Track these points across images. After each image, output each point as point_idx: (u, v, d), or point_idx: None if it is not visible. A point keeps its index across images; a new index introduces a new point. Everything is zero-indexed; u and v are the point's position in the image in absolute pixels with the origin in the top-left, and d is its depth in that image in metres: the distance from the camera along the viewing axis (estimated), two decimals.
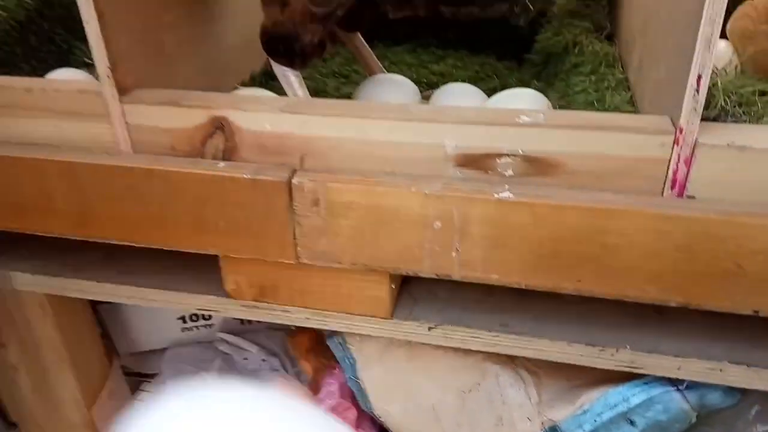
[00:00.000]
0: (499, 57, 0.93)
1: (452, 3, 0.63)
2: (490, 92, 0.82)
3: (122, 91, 0.55)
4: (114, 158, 0.56)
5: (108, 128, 0.56)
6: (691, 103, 0.47)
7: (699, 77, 0.45)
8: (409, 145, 0.52)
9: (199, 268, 0.63)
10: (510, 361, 0.63)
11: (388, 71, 0.88)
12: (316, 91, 0.82)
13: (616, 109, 0.62)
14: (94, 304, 0.86)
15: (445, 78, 0.87)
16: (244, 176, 0.52)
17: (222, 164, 0.54)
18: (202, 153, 0.55)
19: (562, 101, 0.70)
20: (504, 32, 0.93)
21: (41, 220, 0.60)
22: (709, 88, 0.51)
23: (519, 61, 0.90)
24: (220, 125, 0.54)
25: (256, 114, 0.53)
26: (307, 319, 0.61)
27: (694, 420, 0.58)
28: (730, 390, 0.57)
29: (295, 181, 0.52)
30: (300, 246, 0.54)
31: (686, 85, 0.46)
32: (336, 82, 0.85)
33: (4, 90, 0.57)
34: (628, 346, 0.55)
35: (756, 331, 0.56)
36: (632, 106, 0.63)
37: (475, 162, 0.52)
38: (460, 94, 0.70)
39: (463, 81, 0.86)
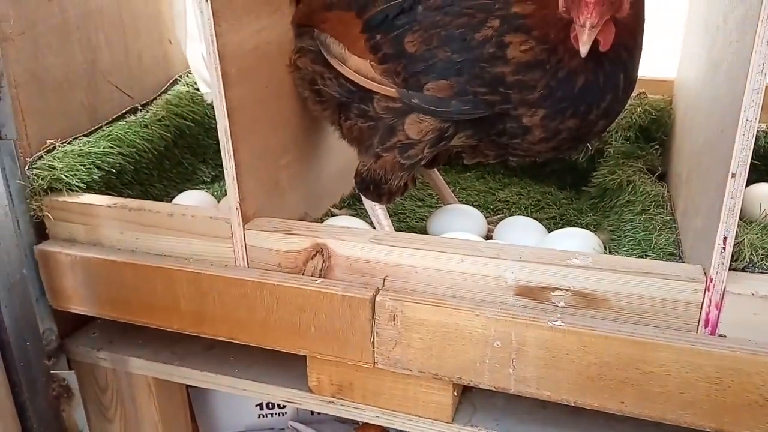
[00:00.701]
0: (559, 186, 1.04)
1: (519, 155, 0.75)
2: (549, 221, 0.92)
3: (245, 219, 0.68)
4: (232, 271, 0.69)
5: (230, 247, 0.70)
6: (719, 258, 0.55)
7: (725, 238, 0.54)
8: (475, 275, 0.62)
9: (287, 366, 0.73)
10: None
11: (459, 196, 0.99)
12: (395, 212, 0.95)
13: (661, 250, 0.70)
14: (187, 389, 0.97)
15: (509, 205, 0.98)
16: (337, 292, 0.64)
17: (319, 281, 0.66)
18: (303, 271, 0.67)
19: (614, 236, 0.79)
20: (564, 166, 1.03)
21: (167, 317, 0.73)
22: (738, 244, 0.59)
23: (578, 191, 1.00)
24: (320, 249, 0.66)
25: (350, 243, 0.65)
26: (377, 417, 0.70)
27: None
28: None
29: (378, 298, 0.63)
30: (377, 353, 0.64)
31: (715, 243, 0.55)
32: (413, 205, 0.98)
33: (152, 213, 0.72)
34: None
35: None
36: (676, 247, 0.71)
37: (532, 292, 0.61)
38: (522, 228, 0.80)
39: (526, 208, 0.96)
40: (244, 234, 0.68)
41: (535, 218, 0.87)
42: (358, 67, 0.72)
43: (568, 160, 1.03)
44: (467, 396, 0.71)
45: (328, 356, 0.67)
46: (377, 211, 0.76)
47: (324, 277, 0.67)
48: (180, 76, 1.05)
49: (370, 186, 0.75)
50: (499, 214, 0.93)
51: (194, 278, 0.70)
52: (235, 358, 0.78)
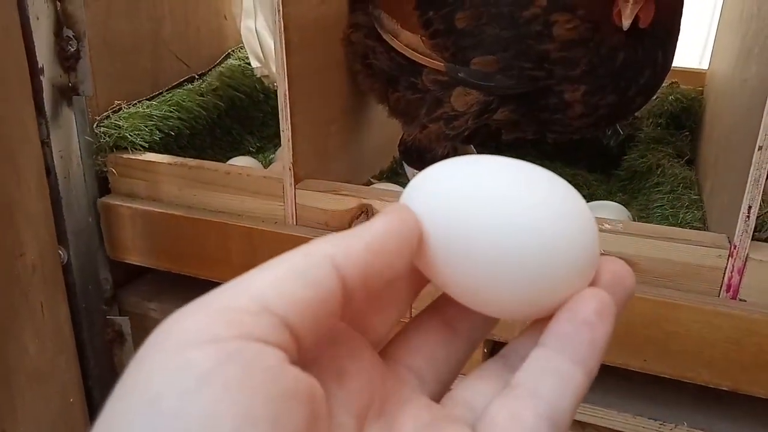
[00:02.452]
0: (590, 170, 1.07)
1: (557, 131, 0.79)
2: None
3: (297, 180, 0.73)
4: (282, 227, 0.74)
5: (281, 206, 0.75)
6: (743, 226, 0.59)
7: (749, 207, 0.58)
8: None
9: None
10: (581, 428, 0.73)
11: None
12: None
13: (687, 224, 0.74)
14: None
15: None
16: None
17: None
18: (348, 229, 0.72)
19: (642, 213, 0.83)
20: (596, 149, 1.07)
21: (219, 270, 0.78)
22: (763, 215, 0.63)
23: (608, 175, 1.04)
24: (365, 209, 0.71)
25: (392, 202, 0.70)
26: None
27: None
28: None
29: None
30: None
31: (740, 213, 0.59)
32: None
33: (210, 171, 0.78)
34: (685, 423, 0.65)
35: None
36: (702, 223, 0.75)
37: None
38: None
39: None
40: (294, 193, 0.73)
41: None
42: (409, 42, 0.77)
43: (600, 144, 1.07)
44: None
45: None
46: None
47: None
48: (233, 51, 1.10)
49: (414, 155, 0.80)
50: None
51: (247, 233, 0.75)
52: None
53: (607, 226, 0.64)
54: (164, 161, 0.80)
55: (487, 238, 0.26)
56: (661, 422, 0.66)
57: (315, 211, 0.74)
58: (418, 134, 0.78)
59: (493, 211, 0.26)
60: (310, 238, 0.67)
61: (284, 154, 0.72)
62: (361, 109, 0.91)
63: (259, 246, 0.75)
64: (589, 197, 0.97)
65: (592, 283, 0.28)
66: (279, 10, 0.67)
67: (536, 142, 1.13)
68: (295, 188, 0.74)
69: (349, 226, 0.72)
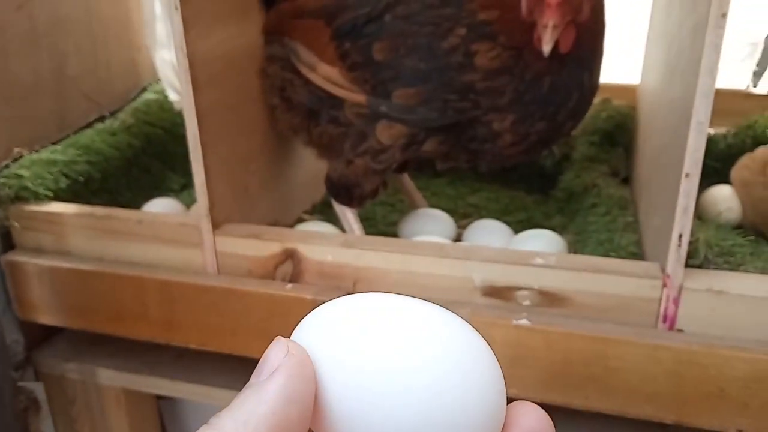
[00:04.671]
0: (527, 191, 1.06)
1: (489, 160, 0.76)
2: (517, 224, 0.94)
3: (215, 225, 0.68)
4: (202, 278, 0.69)
5: (199, 254, 0.70)
6: (675, 255, 0.57)
7: (680, 236, 0.56)
8: (443, 277, 0.64)
9: None
10: None
11: (430, 201, 1.01)
12: (365, 217, 0.96)
13: (623, 249, 0.72)
14: (157, 399, 0.97)
15: (479, 209, 1.00)
16: (307, 297, 0.64)
17: (289, 286, 0.66)
18: (274, 276, 0.68)
19: (579, 237, 0.81)
20: (532, 171, 1.06)
21: (135, 326, 0.73)
22: (694, 242, 0.61)
23: (546, 195, 1.03)
24: (290, 254, 0.66)
25: (320, 247, 0.66)
26: None
27: None
28: None
29: None
30: None
31: (671, 240, 0.57)
32: (384, 210, 0.99)
33: (120, 221, 0.72)
34: None
35: None
36: (638, 247, 0.73)
37: (498, 293, 0.63)
38: (490, 230, 0.82)
39: (495, 212, 0.98)
40: (214, 240, 0.69)
41: (503, 221, 0.89)
42: (327, 75, 0.73)
43: (536, 166, 1.05)
44: None
45: None
46: (348, 215, 0.77)
47: (294, 282, 0.67)
48: (149, 84, 1.05)
49: (341, 191, 0.76)
50: (468, 218, 0.95)
51: (164, 286, 0.70)
52: (206, 366, 0.78)
53: (539, 261, 0.61)
54: (70, 211, 0.74)
55: (381, 410, 0.25)
56: None
57: (237, 258, 0.69)
58: (344, 169, 0.74)
59: (386, 379, 0.25)
60: (233, 288, 0.62)
61: (199, 198, 0.67)
62: (286, 143, 0.86)
63: (178, 299, 0.70)
64: (527, 221, 0.95)
65: None
66: (183, 48, 0.63)
67: (475, 167, 1.12)
68: (214, 234, 0.69)
69: (274, 272, 0.68)
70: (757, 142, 0.96)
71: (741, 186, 0.89)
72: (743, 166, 0.90)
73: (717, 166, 0.97)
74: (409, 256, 0.64)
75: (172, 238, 0.70)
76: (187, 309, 0.69)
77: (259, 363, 0.25)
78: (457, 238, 0.86)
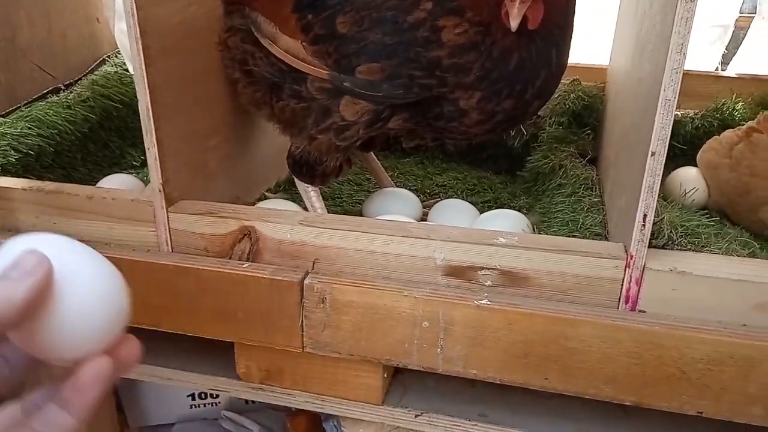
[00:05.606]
0: (495, 171, 1.05)
1: (456, 138, 0.75)
2: (484, 204, 0.93)
3: (169, 202, 0.66)
4: (155, 256, 0.67)
5: (153, 231, 0.67)
6: (639, 235, 0.56)
7: (644, 216, 0.55)
8: (404, 257, 0.62)
9: (214, 353, 0.71)
10: None
11: (398, 181, 0.99)
12: (331, 196, 0.94)
13: (587, 230, 0.72)
14: None
15: (446, 189, 0.99)
16: (264, 276, 0.62)
17: (246, 265, 0.64)
18: (230, 255, 0.65)
19: (544, 218, 0.81)
20: (500, 151, 1.05)
21: None
22: (659, 222, 0.61)
23: (513, 176, 1.02)
24: (247, 232, 0.64)
25: (279, 225, 0.64)
26: (307, 402, 0.69)
27: None
28: None
29: (306, 281, 0.62)
30: (306, 337, 0.63)
31: (635, 221, 0.56)
32: (350, 189, 0.97)
33: (70, 196, 0.69)
34: None
35: (707, 429, 0.62)
36: (602, 227, 0.72)
37: (460, 273, 0.62)
38: (455, 210, 0.80)
39: (462, 192, 0.97)
40: (167, 217, 0.66)
41: (470, 202, 0.87)
42: (288, 47, 0.71)
43: (504, 146, 1.04)
44: (398, 378, 0.71)
45: (257, 342, 0.65)
46: (310, 193, 0.75)
47: (252, 261, 0.65)
48: (108, 56, 1.01)
49: (303, 168, 0.74)
50: (435, 198, 0.93)
51: (115, 264, 0.67)
52: (160, 346, 0.76)
53: (502, 240, 0.60)
54: (18, 186, 0.71)
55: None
56: None
57: (192, 237, 0.67)
58: (307, 146, 0.72)
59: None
60: (188, 267, 0.60)
61: (152, 173, 0.65)
62: (250, 117, 0.84)
63: (130, 278, 0.67)
64: (493, 201, 0.94)
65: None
66: (134, 14, 0.60)
67: (442, 146, 1.10)
68: (167, 211, 0.66)
69: (231, 250, 0.66)
70: (725, 125, 0.96)
71: (707, 168, 0.89)
72: (710, 149, 0.90)
73: (684, 149, 0.97)
74: (369, 235, 0.62)
75: (125, 215, 0.68)
76: (140, 288, 0.66)
77: None
78: (424, 218, 0.85)
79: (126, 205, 0.67)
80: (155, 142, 0.63)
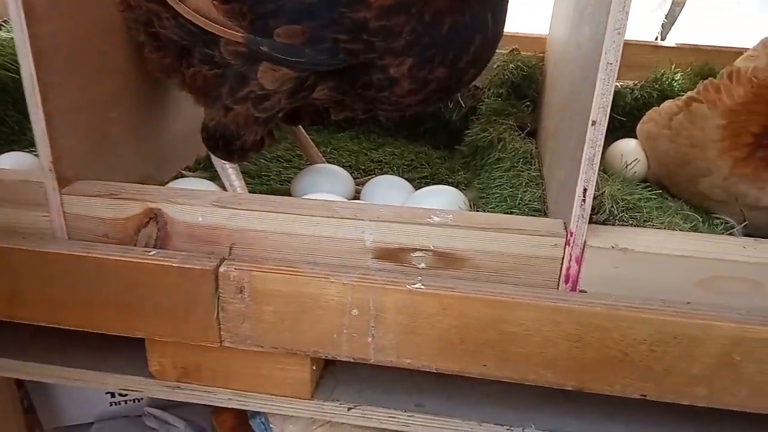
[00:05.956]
0: (433, 146, 1.00)
1: (387, 109, 0.69)
2: (421, 180, 0.88)
3: (63, 182, 0.58)
4: (49, 244, 0.59)
5: (45, 216, 0.59)
6: (579, 210, 0.52)
7: (585, 190, 0.51)
8: (330, 239, 0.57)
9: (126, 349, 0.65)
10: None
11: (331, 157, 0.93)
12: (258, 174, 0.87)
13: (526, 205, 0.68)
14: (22, 382, 0.86)
15: (382, 165, 0.93)
16: (173, 264, 0.56)
17: (153, 252, 0.57)
18: (135, 241, 0.58)
19: (482, 194, 0.76)
20: (438, 125, 1.00)
21: None
22: (599, 196, 0.57)
23: (452, 151, 0.97)
24: (153, 216, 0.57)
25: (189, 207, 0.57)
26: (229, 399, 0.63)
27: None
28: None
29: (222, 269, 0.56)
30: (223, 330, 0.57)
31: (575, 195, 0.52)
32: (279, 167, 0.90)
33: None
34: (533, 425, 0.59)
35: (651, 411, 0.60)
36: (541, 203, 0.69)
37: (391, 255, 0.57)
38: (389, 187, 0.75)
39: (399, 168, 0.92)
40: (61, 200, 0.58)
41: (407, 178, 0.82)
42: (198, 7, 0.63)
43: (442, 119, 1.00)
44: (329, 369, 0.66)
45: (169, 338, 0.59)
46: (228, 170, 0.68)
47: (160, 248, 0.58)
48: (4, 22, 0.90)
49: (219, 142, 0.67)
50: (370, 175, 0.88)
51: (4, 253, 0.59)
52: (66, 345, 0.68)
53: (435, 219, 0.55)
54: None
55: None
56: (508, 427, 0.60)
57: (90, 221, 0.59)
58: (222, 118, 0.65)
59: None
60: (86, 256, 0.53)
61: (41, 150, 0.57)
62: (157, 87, 0.76)
63: (22, 269, 0.59)
64: (431, 177, 0.90)
65: None
66: None
67: (375, 118, 1.05)
68: (60, 193, 0.58)
69: (136, 236, 0.59)
70: (664, 96, 0.94)
71: (646, 139, 0.87)
72: (649, 119, 0.88)
73: (623, 120, 0.95)
74: (291, 216, 0.56)
75: (13, 197, 0.60)
76: (33, 280, 0.59)
77: None
78: (357, 196, 0.80)
79: (14, 187, 0.59)
80: (43, 114, 0.55)
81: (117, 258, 0.57)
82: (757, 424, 0.59)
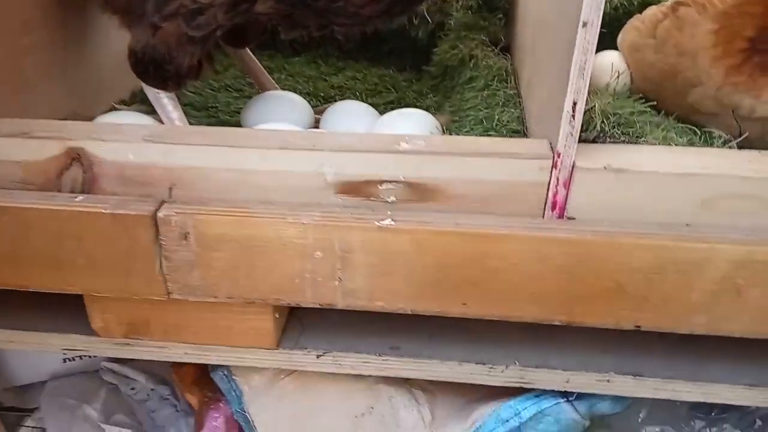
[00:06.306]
0: (399, 68, 0.92)
1: (344, 23, 0.61)
2: (386, 105, 0.80)
3: None
4: None
5: None
6: (567, 128, 0.46)
7: (574, 104, 0.45)
8: (286, 174, 0.49)
9: (67, 306, 0.58)
10: (404, 381, 0.61)
11: (285, 84, 0.84)
12: (204, 106, 0.78)
13: (504, 127, 0.61)
14: None
15: (343, 91, 0.85)
16: (104, 210, 0.48)
17: (80, 198, 0.49)
18: (59, 186, 0.50)
19: (455, 117, 0.69)
20: (404, 43, 0.91)
21: None
22: (588, 111, 0.51)
23: (418, 71, 0.89)
24: (76, 156, 0.49)
25: (116, 144, 0.49)
26: (186, 354, 0.57)
27: (587, 425, 0.58)
28: (618, 397, 0.57)
29: (161, 214, 0.48)
30: (170, 281, 0.51)
31: (563, 111, 0.45)
32: (227, 97, 0.81)
33: None
34: (517, 362, 0.55)
35: (641, 343, 0.56)
36: (520, 123, 0.62)
37: (356, 189, 0.50)
38: (351, 114, 0.68)
39: (362, 93, 0.84)
40: None
41: (371, 104, 0.75)
42: None
43: (408, 37, 0.91)
44: (296, 315, 0.60)
45: (108, 292, 0.52)
46: (163, 101, 0.60)
47: (87, 193, 0.50)
48: None
49: (149, 68, 0.58)
50: (330, 103, 0.80)
51: None
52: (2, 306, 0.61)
53: (405, 146, 0.49)
54: None
55: None
56: (490, 366, 0.56)
57: (5, 166, 0.51)
58: (150, 38, 0.56)
59: None
60: (4, 206, 0.44)
61: None
62: (79, 10, 0.65)
63: None
64: (397, 102, 0.82)
65: None
66: None
67: (337, 39, 0.95)
68: None
69: (58, 181, 0.51)
70: (646, 3, 0.87)
71: (630, 51, 0.80)
72: (632, 29, 0.81)
73: (602, 32, 0.87)
74: (239, 149, 0.49)
75: None
76: None
77: None
78: (316, 126, 0.72)
79: None
80: None
81: (39, 206, 0.49)
82: (755, 351, 0.55)
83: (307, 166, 0.49)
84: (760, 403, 0.53)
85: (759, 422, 0.60)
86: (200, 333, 0.56)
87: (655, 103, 0.62)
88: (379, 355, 0.57)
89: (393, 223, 0.48)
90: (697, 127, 0.67)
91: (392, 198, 0.50)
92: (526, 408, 0.56)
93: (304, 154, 0.49)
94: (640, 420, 0.64)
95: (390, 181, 0.49)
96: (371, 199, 0.50)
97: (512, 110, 0.64)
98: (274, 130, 0.54)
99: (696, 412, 0.61)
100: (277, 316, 0.56)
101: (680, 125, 0.57)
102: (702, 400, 0.54)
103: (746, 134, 0.56)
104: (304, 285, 0.51)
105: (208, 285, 0.51)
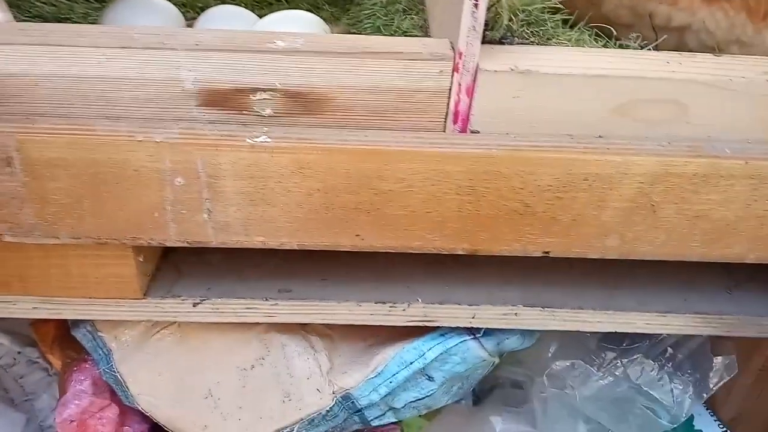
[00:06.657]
0: None
1: None
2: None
3: None
4: None
5: None
6: (470, 20, 0.39)
7: None
8: (133, 81, 0.40)
9: None
10: (300, 327, 0.55)
11: None
12: (58, 18, 0.66)
13: (404, 34, 0.54)
14: None
15: (225, 2, 0.74)
16: None
17: None
18: None
19: (353, 29, 0.61)
20: None
21: None
22: (494, 6, 0.44)
23: None
24: None
25: None
26: (35, 309, 0.48)
27: (496, 362, 0.54)
28: (527, 332, 0.54)
29: None
30: None
31: (464, 4, 0.38)
32: (86, 8, 0.69)
33: None
34: (419, 299, 0.49)
35: (549, 272, 0.52)
36: (422, 31, 0.55)
37: (224, 100, 0.41)
38: (227, 20, 0.58)
39: (249, 6, 0.73)
40: None
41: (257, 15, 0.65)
42: None
43: None
44: (171, 260, 0.52)
45: None
46: None
47: None
48: None
49: None
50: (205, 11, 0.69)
51: None
52: None
53: (280, 44, 0.40)
54: None
55: None
56: (391, 304, 0.50)
57: None
58: None
59: None
60: None
61: None
62: None
63: None
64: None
65: None
66: None
67: None
68: None
69: None
70: None
71: None
72: None
73: None
74: (71, 49, 0.39)
75: None
76: None
77: None
78: None
79: None
80: None
81: None
82: (666, 277, 0.53)
83: (159, 71, 0.40)
84: (673, 330, 0.51)
85: (670, 350, 0.58)
86: (50, 283, 0.47)
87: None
88: (267, 300, 0.50)
89: (269, 140, 0.40)
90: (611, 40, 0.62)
91: (268, 111, 0.42)
92: (431, 348, 0.52)
93: (155, 55, 0.40)
94: (550, 355, 0.61)
95: (264, 90, 0.41)
96: (243, 112, 0.42)
97: (414, 17, 0.56)
98: (115, 27, 0.44)
99: (606, 344, 0.59)
100: (141, 259, 0.47)
101: (594, 31, 0.52)
102: (613, 330, 0.51)
103: (664, 37, 0.51)
104: (165, 219, 0.42)
105: (47, 223, 0.42)
